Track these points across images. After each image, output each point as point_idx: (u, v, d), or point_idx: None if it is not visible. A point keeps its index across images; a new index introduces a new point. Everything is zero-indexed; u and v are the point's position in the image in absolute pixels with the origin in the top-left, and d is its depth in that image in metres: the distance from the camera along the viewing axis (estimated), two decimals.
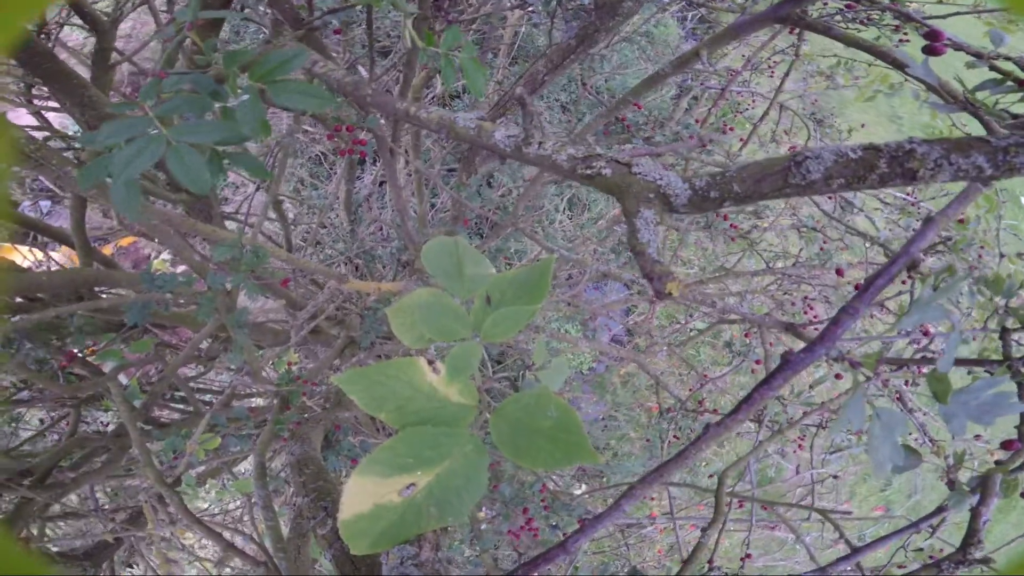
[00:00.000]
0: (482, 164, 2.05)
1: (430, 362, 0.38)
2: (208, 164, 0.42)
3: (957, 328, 0.33)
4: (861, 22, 1.58)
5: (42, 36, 1.22)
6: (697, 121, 2.17)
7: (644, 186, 0.42)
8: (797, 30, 1.87)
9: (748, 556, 1.60)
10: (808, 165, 0.39)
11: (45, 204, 3.41)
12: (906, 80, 1.87)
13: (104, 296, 1.46)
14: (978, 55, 0.60)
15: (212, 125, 0.41)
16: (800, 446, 2.27)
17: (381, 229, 2.89)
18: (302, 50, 0.43)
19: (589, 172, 0.44)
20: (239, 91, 0.42)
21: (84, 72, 1.27)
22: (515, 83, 1.60)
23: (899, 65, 0.59)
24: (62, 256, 2.62)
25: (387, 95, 0.60)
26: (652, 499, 3.19)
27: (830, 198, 2.05)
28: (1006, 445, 0.65)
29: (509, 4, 2.40)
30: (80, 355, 1.32)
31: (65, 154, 1.34)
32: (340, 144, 1.07)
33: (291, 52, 0.43)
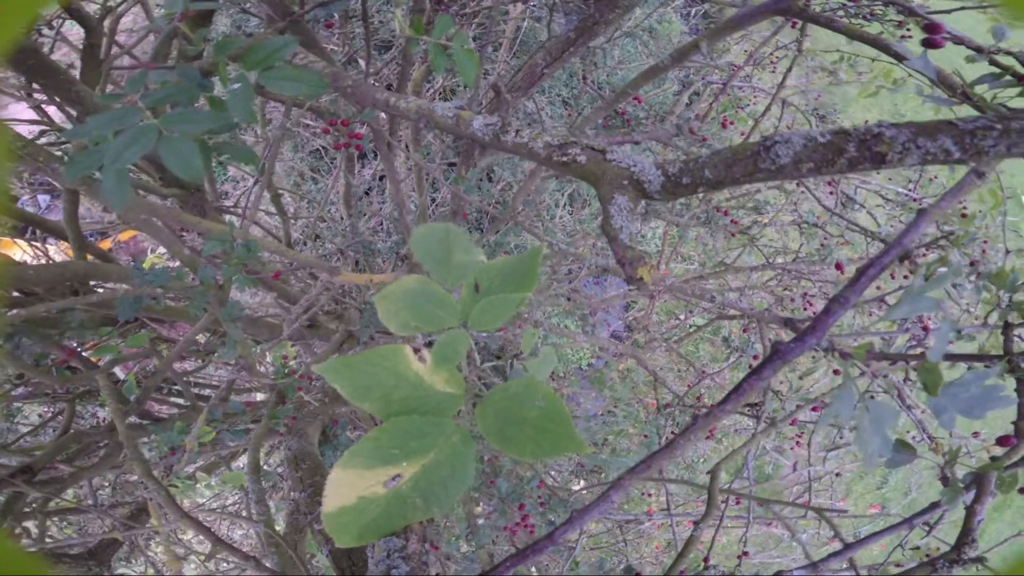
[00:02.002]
0: (481, 158, 2.04)
1: (416, 351, 0.37)
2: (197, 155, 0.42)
3: (948, 318, 0.32)
4: (865, 17, 1.57)
5: (29, 33, 1.22)
6: (698, 116, 2.16)
7: (618, 173, 0.42)
8: (799, 24, 1.85)
9: (745, 554, 1.60)
10: (777, 150, 0.39)
11: (44, 199, 3.42)
12: (909, 76, 1.85)
13: (101, 290, 1.46)
14: (978, 49, 0.60)
15: (202, 114, 0.41)
16: (798, 443, 2.26)
17: (381, 224, 2.88)
18: (291, 39, 0.43)
19: (564, 159, 0.44)
20: (229, 80, 0.42)
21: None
22: (514, 76, 1.59)
23: (899, 57, 0.58)
24: (60, 251, 2.62)
25: (367, 85, 0.59)
26: (650, 495, 3.20)
27: (831, 194, 2.04)
28: (1002, 441, 0.64)
29: None
30: (79, 351, 1.32)
31: (61, 148, 1.33)
32: (336, 138, 1.07)
33: (281, 41, 0.43)
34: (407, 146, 2.13)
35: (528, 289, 0.39)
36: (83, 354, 1.37)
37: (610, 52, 3.44)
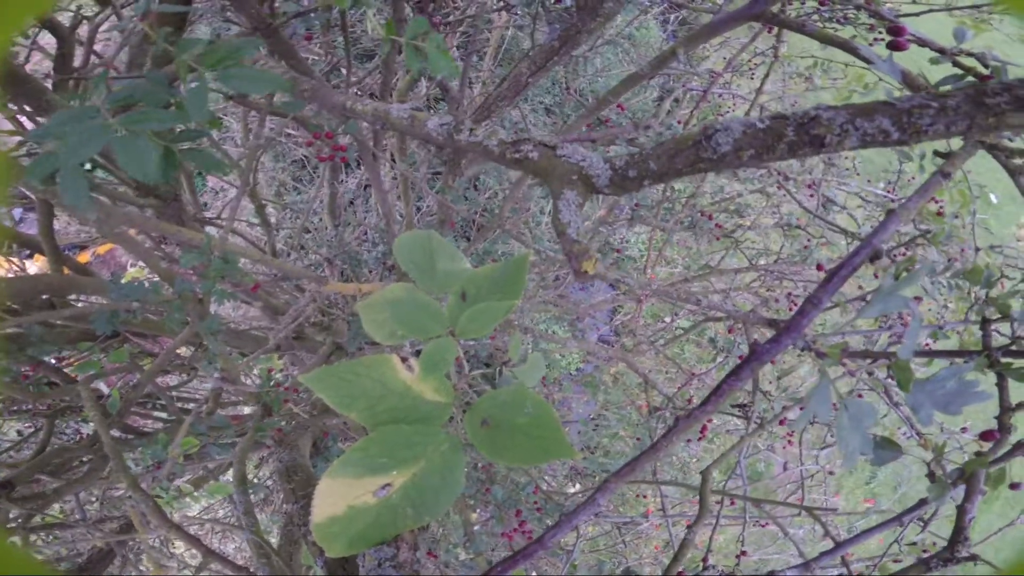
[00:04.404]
0: (468, 167, 2.05)
1: (404, 360, 0.37)
2: (161, 160, 0.42)
3: (916, 316, 0.33)
4: (838, 20, 1.61)
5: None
6: (679, 123, 2.19)
7: (568, 168, 0.43)
8: (775, 30, 1.90)
9: (744, 553, 1.61)
10: (718, 138, 0.39)
11: (17, 212, 3.35)
12: (880, 80, 1.91)
13: (80, 304, 1.43)
14: (941, 51, 0.62)
15: (160, 113, 0.41)
16: (790, 442, 2.29)
17: (366, 233, 2.87)
18: (253, 41, 0.43)
19: (517, 156, 0.45)
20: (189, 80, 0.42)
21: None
22: (499, 85, 1.61)
23: (867, 60, 0.60)
24: (37, 265, 2.57)
25: (325, 88, 0.60)
26: (645, 497, 3.21)
27: (811, 196, 2.08)
28: (985, 436, 0.65)
29: (493, 7, 2.41)
30: (51, 364, 1.29)
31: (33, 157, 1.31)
32: (321, 150, 1.06)
33: (242, 42, 0.43)
34: (392, 156, 2.13)
35: (515, 296, 0.40)
36: (61, 369, 1.35)
37: (592, 60, 3.48)
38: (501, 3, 2.18)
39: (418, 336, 0.38)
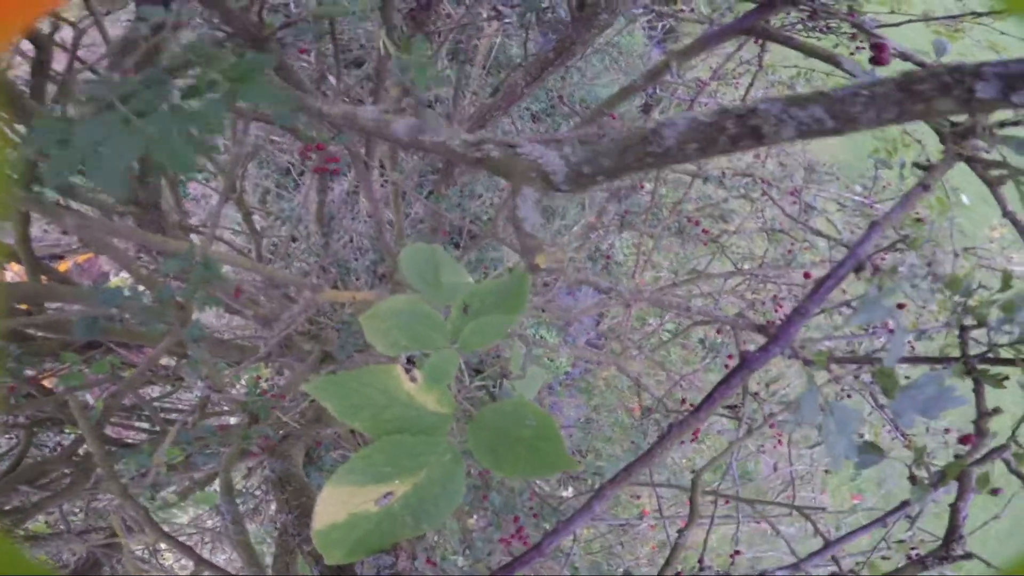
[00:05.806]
0: (461, 175, 2.05)
1: (406, 370, 0.38)
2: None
3: (901, 326, 0.35)
4: (821, 30, 1.65)
5: None
6: None
7: (527, 165, 0.44)
8: (761, 41, 1.94)
9: (738, 552, 1.63)
10: (663, 132, 0.39)
11: None
12: None
13: (54, 311, 1.41)
14: (921, 64, 0.64)
15: (182, 116, 0.42)
16: (779, 442, 2.32)
17: (352, 241, 2.86)
18: (270, 56, 0.44)
19: (479, 155, 0.46)
20: (214, 87, 0.43)
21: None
22: (493, 94, 1.62)
23: (850, 73, 0.62)
24: (12, 273, 2.51)
25: (306, 96, 0.61)
26: (638, 498, 3.22)
27: (794, 202, 2.12)
28: (964, 440, 0.67)
29: (484, 16, 2.43)
30: (27, 375, 1.26)
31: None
32: (314, 162, 1.06)
33: (261, 58, 0.44)
34: (382, 164, 2.13)
35: (517, 311, 0.41)
36: (39, 380, 1.32)
37: (582, 69, 3.52)
38: (492, 13, 2.20)
39: (421, 347, 0.39)
